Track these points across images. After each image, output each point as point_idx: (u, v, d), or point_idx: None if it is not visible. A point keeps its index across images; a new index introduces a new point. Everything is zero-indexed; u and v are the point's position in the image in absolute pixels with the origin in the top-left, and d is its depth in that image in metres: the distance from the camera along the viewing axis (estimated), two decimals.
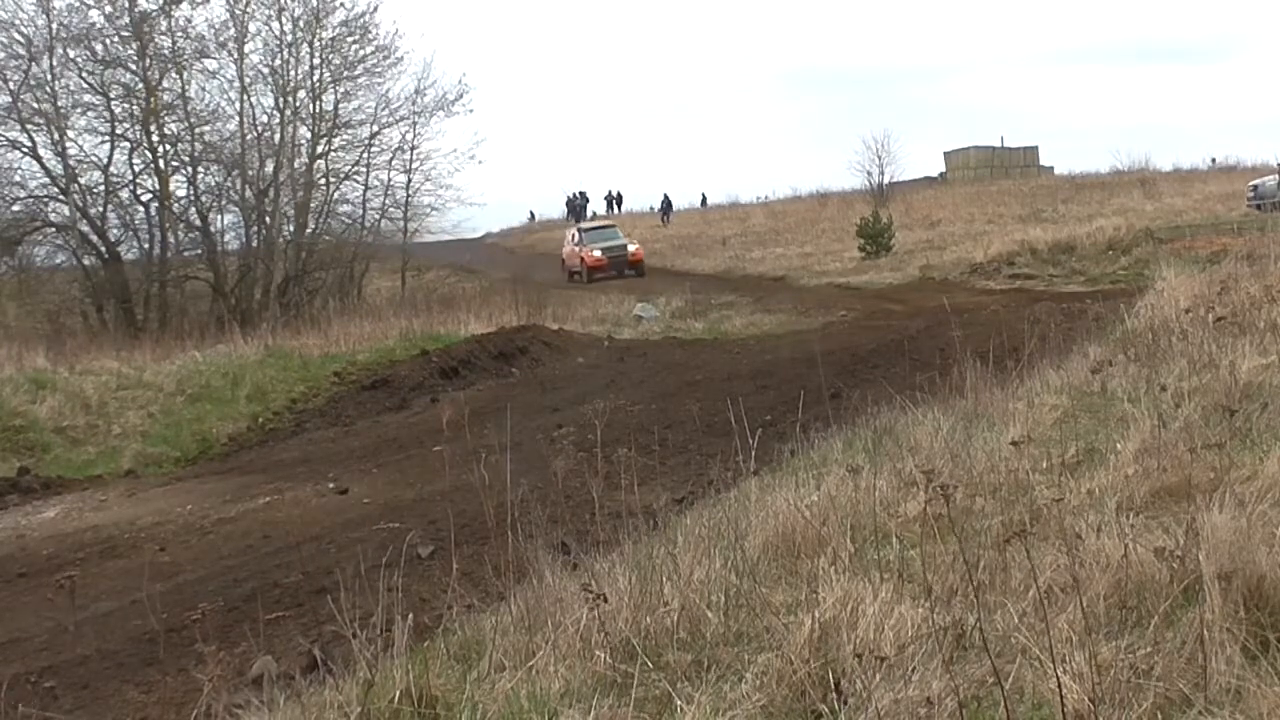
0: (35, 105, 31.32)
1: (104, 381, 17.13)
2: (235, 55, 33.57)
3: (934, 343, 13.61)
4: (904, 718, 3.53)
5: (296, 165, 34.61)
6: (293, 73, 34.21)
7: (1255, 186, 34.97)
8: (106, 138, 32.36)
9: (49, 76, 31.29)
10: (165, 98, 32.75)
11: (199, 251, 33.81)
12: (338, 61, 34.85)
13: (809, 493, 6.19)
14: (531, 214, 74.07)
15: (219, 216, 34.01)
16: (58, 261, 33.01)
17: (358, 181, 36.77)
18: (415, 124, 36.71)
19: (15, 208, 32.04)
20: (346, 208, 36.74)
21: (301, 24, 34.20)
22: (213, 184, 33.69)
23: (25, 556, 9.68)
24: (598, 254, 38.78)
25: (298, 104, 34.50)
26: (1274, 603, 3.91)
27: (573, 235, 42.33)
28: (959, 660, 3.88)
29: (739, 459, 6.31)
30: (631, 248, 39.32)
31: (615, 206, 69.94)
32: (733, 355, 18.26)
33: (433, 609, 5.44)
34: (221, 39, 33.19)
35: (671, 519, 6.12)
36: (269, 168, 34.10)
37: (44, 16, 31.09)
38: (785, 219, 52.81)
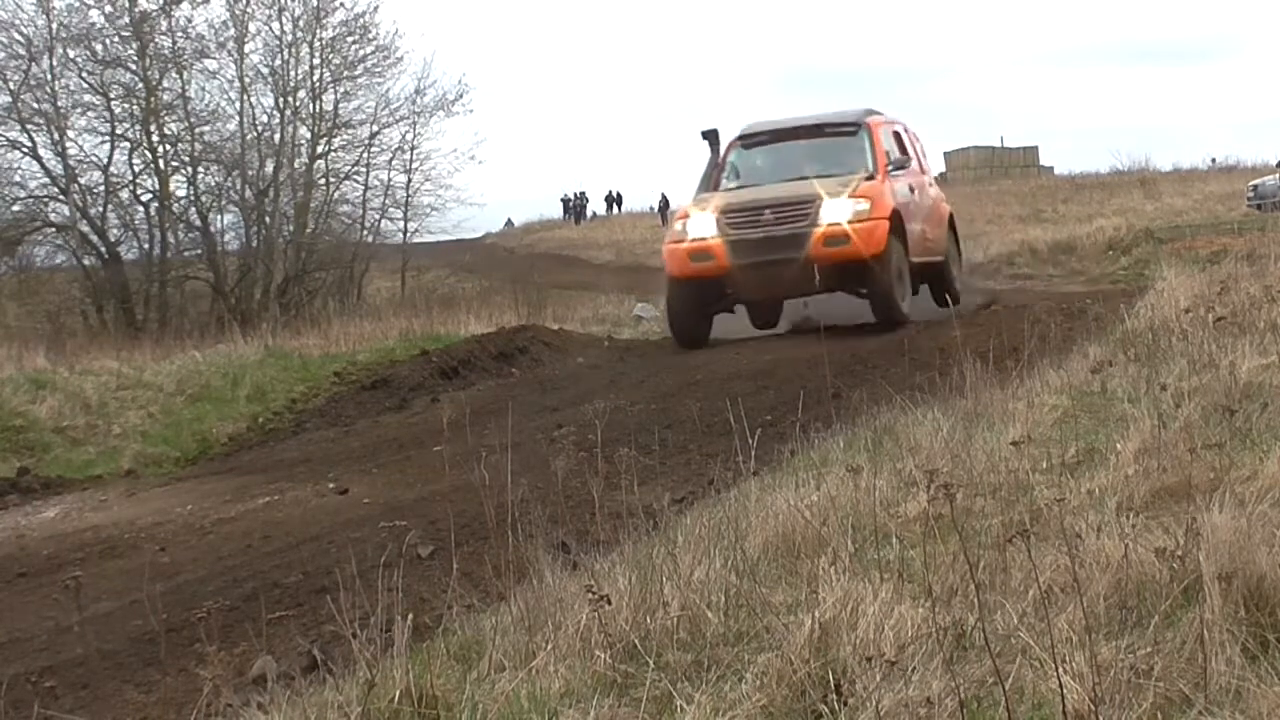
0: (35, 105, 31.35)
1: (104, 381, 17.09)
2: (235, 55, 33.65)
3: (934, 343, 13.57)
4: (904, 717, 3.53)
5: (296, 165, 34.63)
6: (293, 73, 34.27)
7: (1255, 186, 35.02)
8: (106, 138, 32.42)
9: (49, 76, 31.33)
10: (165, 98, 32.80)
11: (199, 251, 33.83)
12: (338, 61, 34.92)
13: (809, 493, 6.18)
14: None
15: (219, 216, 34.09)
16: (58, 261, 33.08)
17: (358, 181, 36.86)
18: (415, 124, 36.80)
19: (15, 208, 32.07)
20: (346, 208, 36.83)
21: (301, 24, 34.27)
22: (213, 184, 33.76)
23: (25, 556, 9.66)
24: None
25: (298, 104, 34.57)
26: (1274, 603, 3.91)
27: None
28: (959, 660, 3.88)
29: (739, 459, 6.30)
30: None
31: (615, 206, 69.99)
32: (732, 355, 18.22)
33: (433, 609, 5.43)
34: (221, 39, 33.26)
35: (671, 519, 6.11)
36: (269, 168, 34.12)
37: (44, 16, 31.14)
38: None
